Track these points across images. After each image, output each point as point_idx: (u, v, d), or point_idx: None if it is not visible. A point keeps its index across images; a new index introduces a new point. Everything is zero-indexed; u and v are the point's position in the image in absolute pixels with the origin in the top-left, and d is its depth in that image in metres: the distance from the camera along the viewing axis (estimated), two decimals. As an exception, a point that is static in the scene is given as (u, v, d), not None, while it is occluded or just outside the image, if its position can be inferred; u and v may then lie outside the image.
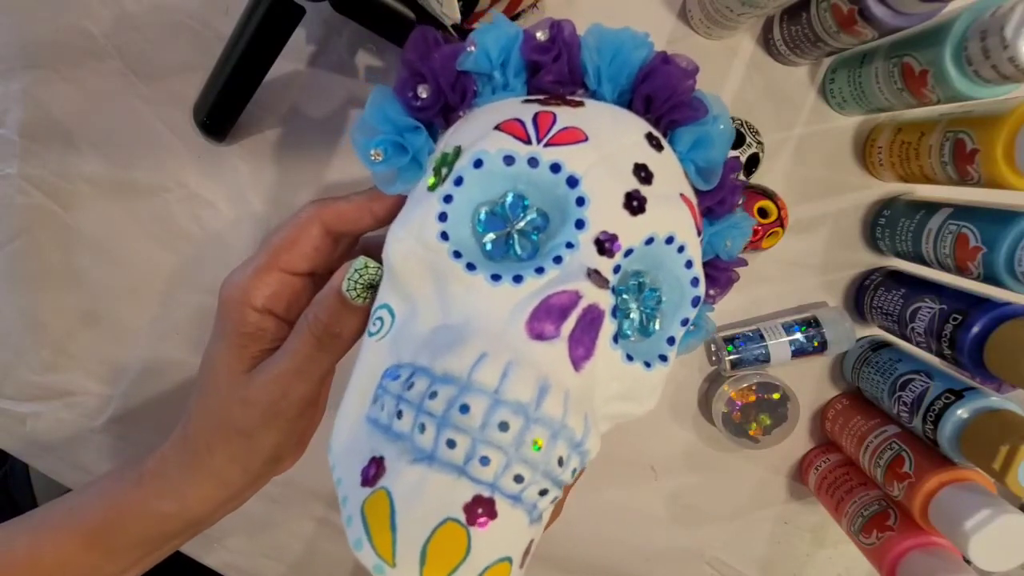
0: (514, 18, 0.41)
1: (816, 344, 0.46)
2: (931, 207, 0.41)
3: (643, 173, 0.25)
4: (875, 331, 0.49)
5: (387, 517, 0.21)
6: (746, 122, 0.44)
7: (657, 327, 0.27)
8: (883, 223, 0.46)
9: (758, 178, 0.46)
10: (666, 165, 0.26)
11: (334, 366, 0.30)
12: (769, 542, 0.53)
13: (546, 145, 0.24)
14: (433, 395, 0.21)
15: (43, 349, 0.47)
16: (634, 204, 0.24)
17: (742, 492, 0.52)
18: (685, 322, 0.27)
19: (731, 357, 0.47)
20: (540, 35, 0.27)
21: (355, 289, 0.27)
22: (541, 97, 0.27)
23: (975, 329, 0.37)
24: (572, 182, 0.24)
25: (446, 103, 0.27)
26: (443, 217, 0.25)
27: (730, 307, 0.49)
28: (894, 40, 0.38)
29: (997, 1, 0.32)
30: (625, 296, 0.26)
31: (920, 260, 0.42)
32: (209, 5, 0.43)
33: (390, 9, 0.37)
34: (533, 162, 0.24)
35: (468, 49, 0.26)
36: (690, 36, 0.44)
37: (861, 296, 0.48)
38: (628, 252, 0.24)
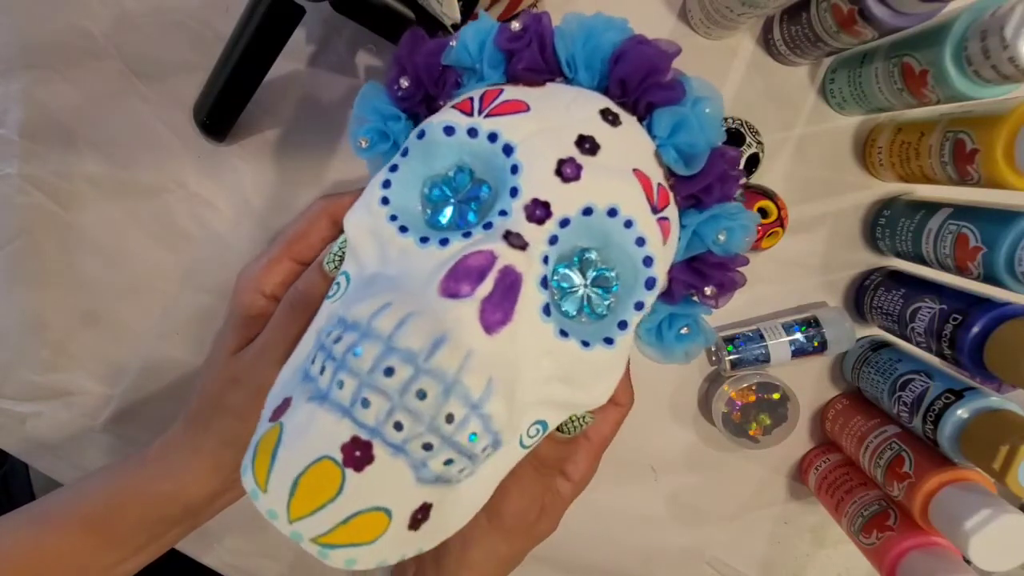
0: (514, 18, 0.41)
1: (816, 344, 0.46)
2: (931, 207, 0.41)
3: (587, 144, 0.24)
4: (875, 331, 0.49)
5: (272, 448, 0.21)
6: (746, 122, 0.44)
7: (604, 310, 0.26)
8: (883, 223, 0.46)
9: (758, 178, 0.46)
10: (622, 140, 0.25)
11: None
12: (769, 542, 0.53)
13: (486, 116, 0.25)
14: (338, 340, 0.22)
15: (43, 349, 0.47)
16: (567, 171, 0.24)
17: (742, 492, 0.52)
18: (640, 306, 0.25)
19: (731, 357, 0.47)
20: (514, 25, 0.27)
21: (333, 262, 0.28)
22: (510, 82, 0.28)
23: (975, 329, 0.37)
24: (507, 150, 0.24)
25: (427, 93, 0.28)
26: (387, 184, 0.26)
27: (730, 307, 0.48)
28: (894, 40, 0.38)
29: (997, 1, 0.32)
30: (568, 271, 0.25)
31: (920, 260, 0.42)
32: (209, 5, 0.43)
33: (390, 9, 0.37)
34: (472, 132, 0.25)
35: (450, 44, 0.27)
36: (690, 36, 0.44)
37: (861, 296, 0.48)
38: (564, 222, 0.24)
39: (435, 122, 0.25)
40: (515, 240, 0.23)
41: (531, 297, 0.24)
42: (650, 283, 0.25)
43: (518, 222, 0.24)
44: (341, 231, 0.28)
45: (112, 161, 0.45)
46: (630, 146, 0.26)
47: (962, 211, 0.39)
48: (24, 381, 0.48)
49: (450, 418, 0.21)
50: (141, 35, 0.44)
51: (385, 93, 0.29)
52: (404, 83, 0.28)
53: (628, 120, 0.26)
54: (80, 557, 0.33)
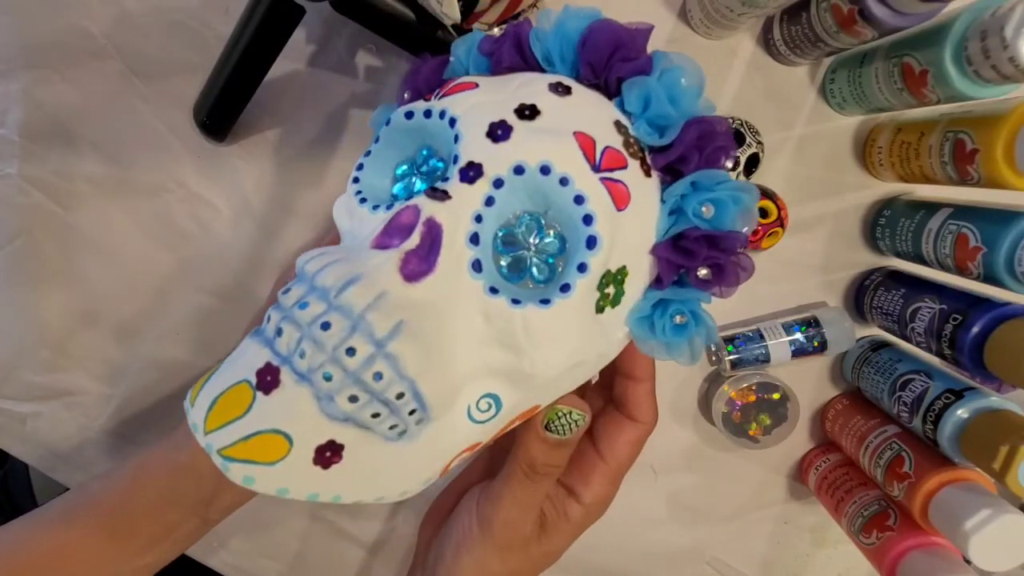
0: (514, 18, 0.41)
1: (816, 344, 0.46)
2: (931, 207, 0.41)
3: (526, 112, 0.24)
4: (875, 331, 0.49)
5: (210, 374, 0.24)
6: (746, 122, 0.44)
7: (548, 274, 0.25)
8: (883, 223, 0.46)
9: (758, 178, 0.46)
10: (568, 108, 0.25)
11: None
12: (769, 542, 0.53)
13: (440, 98, 0.26)
14: (287, 291, 0.24)
15: (43, 349, 0.47)
16: (497, 132, 0.24)
17: (742, 492, 0.52)
18: (583, 268, 0.24)
19: (731, 357, 0.47)
20: (495, 31, 0.29)
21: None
22: None
23: (975, 329, 0.37)
24: (452, 122, 0.25)
25: None
26: (360, 167, 0.28)
27: (730, 307, 0.49)
28: (894, 40, 0.38)
29: (997, 1, 0.32)
30: (512, 234, 0.25)
31: (920, 260, 0.42)
32: (209, 5, 0.43)
33: (390, 9, 0.37)
34: (428, 113, 0.26)
35: (450, 60, 0.29)
36: (690, 36, 0.44)
37: (861, 296, 0.48)
38: (498, 183, 0.24)
39: (399, 110, 0.27)
40: (434, 194, 0.24)
41: (458, 251, 0.24)
42: (591, 242, 0.23)
43: (452, 184, 0.24)
44: None
45: (112, 161, 0.45)
46: (577, 113, 0.25)
47: (962, 211, 0.39)
48: (24, 381, 0.48)
49: (351, 351, 0.22)
50: (141, 35, 0.44)
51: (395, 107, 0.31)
52: (407, 98, 0.30)
53: (584, 93, 0.26)
54: (95, 553, 0.34)
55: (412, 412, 0.24)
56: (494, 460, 0.37)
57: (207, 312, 0.47)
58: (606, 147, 0.24)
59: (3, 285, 0.47)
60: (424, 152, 0.28)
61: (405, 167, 0.29)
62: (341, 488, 0.24)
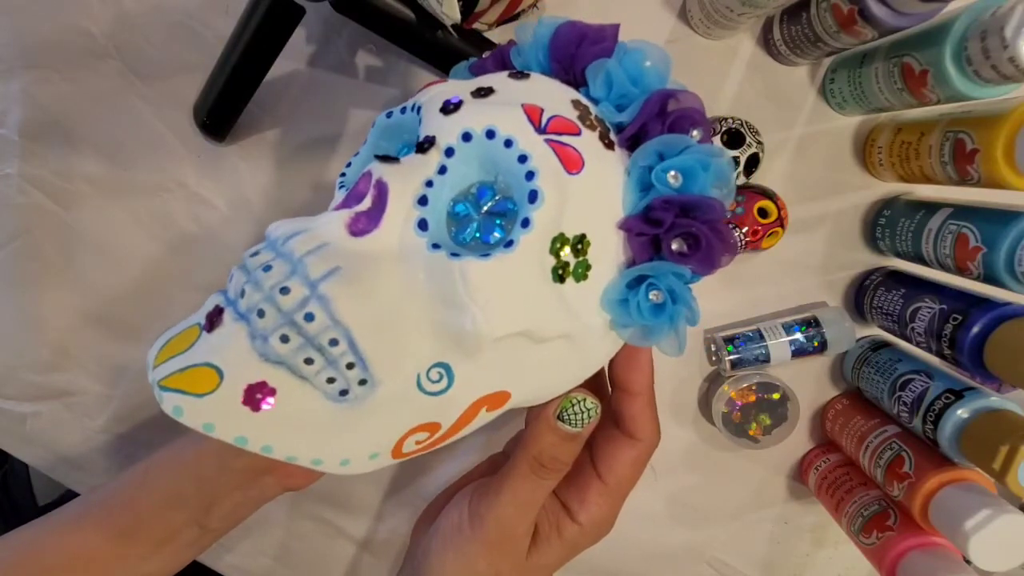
0: (514, 18, 0.41)
1: (816, 344, 0.46)
2: (931, 207, 0.41)
3: (482, 92, 0.26)
4: (875, 331, 0.49)
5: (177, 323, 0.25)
6: (746, 122, 0.44)
7: (494, 238, 0.24)
8: (883, 223, 0.46)
9: (758, 178, 0.46)
10: (522, 88, 0.26)
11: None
12: (769, 542, 0.53)
13: (416, 95, 0.27)
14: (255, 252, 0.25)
15: (43, 349, 0.47)
16: (449, 107, 0.25)
17: (742, 492, 0.52)
18: (526, 223, 0.23)
19: (731, 357, 0.47)
20: (485, 55, 0.31)
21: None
22: None
23: (975, 329, 0.37)
24: (416, 110, 0.26)
25: None
26: (348, 164, 0.30)
27: (730, 307, 0.49)
28: (894, 40, 0.38)
29: (997, 1, 0.32)
30: (465, 203, 0.25)
31: (920, 260, 0.42)
32: (209, 5, 0.43)
33: (390, 9, 0.37)
34: (403, 110, 0.27)
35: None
36: (690, 36, 0.44)
37: (861, 296, 0.48)
38: (449, 151, 0.24)
39: (383, 112, 0.29)
40: (390, 160, 0.25)
41: (405, 211, 0.24)
42: (532, 196, 0.23)
43: (406, 155, 0.25)
44: None
45: (112, 161, 0.45)
46: (531, 89, 0.26)
47: (962, 211, 0.39)
48: (24, 381, 0.48)
49: (285, 291, 0.23)
50: (141, 35, 0.44)
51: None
52: None
53: (544, 79, 0.27)
54: (102, 554, 0.35)
55: (351, 367, 0.23)
56: (494, 465, 0.36)
57: (207, 312, 0.47)
58: (554, 115, 0.24)
59: (3, 285, 0.47)
60: (401, 147, 0.29)
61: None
62: (271, 437, 0.23)
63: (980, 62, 0.33)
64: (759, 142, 0.44)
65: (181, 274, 0.47)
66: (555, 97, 0.26)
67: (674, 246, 0.25)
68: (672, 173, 0.24)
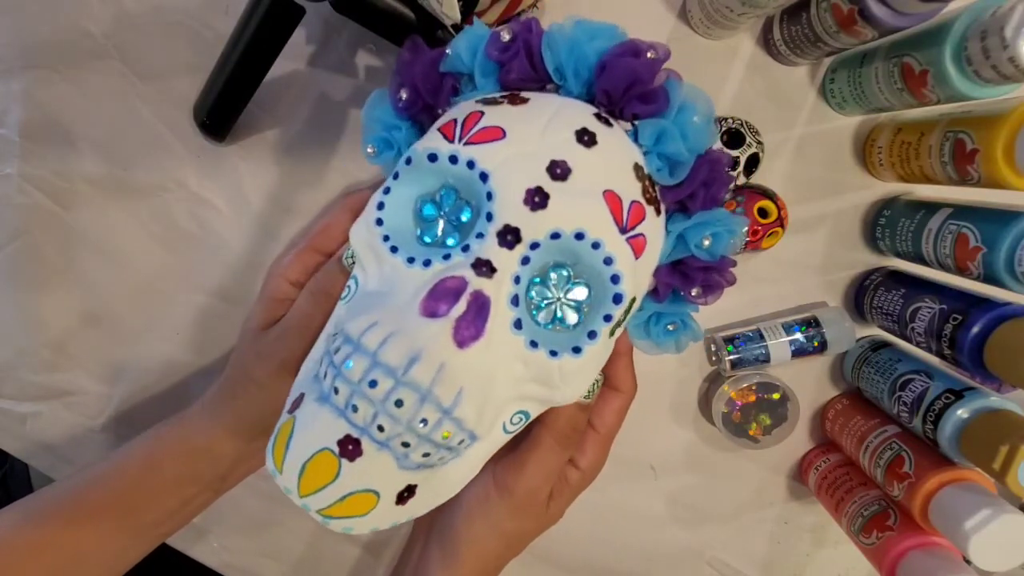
0: (514, 17, 0.41)
1: (816, 344, 0.46)
2: (931, 207, 0.41)
3: (558, 170, 0.26)
4: (875, 331, 0.49)
5: (287, 437, 0.26)
6: (746, 122, 0.44)
7: (576, 319, 0.28)
8: (883, 223, 0.46)
9: (758, 178, 0.46)
10: (597, 161, 0.27)
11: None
12: (769, 542, 0.53)
13: (466, 144, 0.27)
14: (337, 350, 0.26)
15: (43, 349, 0.47)
16: (535, 200, 0.26)
17: (742, 492, 0.52)
18: (608, 318, 0.27)
19: (731, 357, 0.47)
20: (504, 35, 0.29)
21: (350, 258, 0.32)
22: (498, 95, 0.29)
23: (975, 329, 0.37)
24: (484, 177, 0.26)
25: (426, 102, 0.31)
26: (381, 206, 0.29)
27: (730, 307, 0.49)
28: (894, 40, 0.38)
29: (997, 1, 0.32)
30: (543, 286, 0.27)
31: (920, 260, 0.42)
32: (209, 5, 0.43)
33: (390, 9, 0.37)
34: (453, 159, 0.27)
35: (446, 53, 0.30)
36: (690, 36, 0.44)
37: (861, 296, 0.48)
38: (534, 245, 0.26)
39: (420, 149, 0.28)
40: (484, 269, 0.26)
41: (502, 315, 0.26)
42: (617, 298, 0.26)
43: (491, 247, 0.26)
44: None
45: (112, 161, 0.45)
46: (605, 166, 0.27)
47: (962, 211, 0.39)
48: (24, 381, 0.48)
49: (424, 422, 0.25)
50: (141, 35, 0.44)
51: (388, 102, 0.31)
52: (404, 95, 0.30)
53: (607, 135, 0.27)
54: (108, 525, 0.36)
55: (461, 442, 0.27)
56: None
57: (207, 312, 0.47)
58: (632, 203, 0.27)
59: (3, 285, 0.47)
60: (446, 193, 0.29)
61: (430, 207, 0.29)
62: (412, 512, 0.27)
63: (980, 62, 0.33)
64: (759, 142, 0.44)
65: (181, 274, 0.47)
66: (623, 167, 0.28)
67: (693, 292, 0.31)
68: (707, 238, 0.29)
